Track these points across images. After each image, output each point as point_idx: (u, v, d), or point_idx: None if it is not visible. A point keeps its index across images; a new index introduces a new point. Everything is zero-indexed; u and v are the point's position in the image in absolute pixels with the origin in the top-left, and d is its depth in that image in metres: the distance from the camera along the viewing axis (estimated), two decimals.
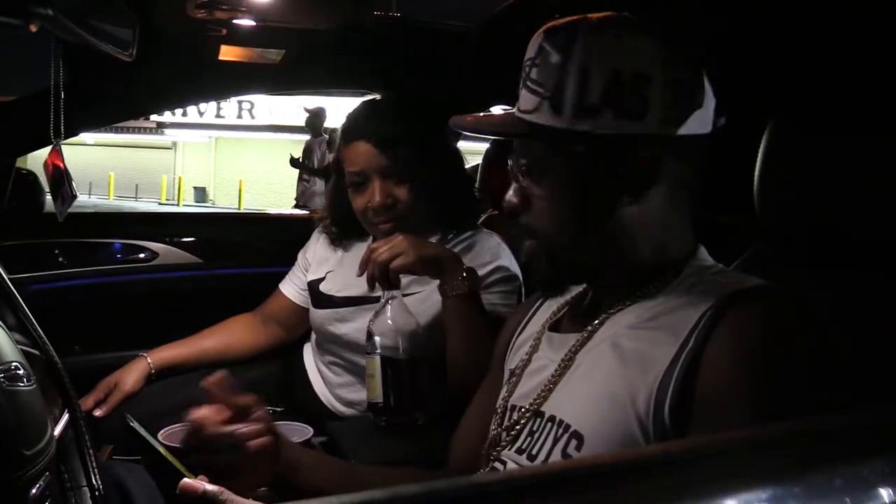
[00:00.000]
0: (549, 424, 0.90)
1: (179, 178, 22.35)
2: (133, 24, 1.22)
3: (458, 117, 0.98)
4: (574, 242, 0.89)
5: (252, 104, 20.21)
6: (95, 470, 0.83)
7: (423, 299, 1.51)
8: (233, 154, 22.98)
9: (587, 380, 0.89)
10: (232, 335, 1.78)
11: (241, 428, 0.90)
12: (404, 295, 1.46)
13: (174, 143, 24.24)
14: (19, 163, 1.88)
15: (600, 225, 0.88)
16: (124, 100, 1.72)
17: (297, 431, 1.38)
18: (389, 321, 1.35)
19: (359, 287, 1.57)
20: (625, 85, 0.83)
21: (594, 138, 0.84)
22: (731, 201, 1.35)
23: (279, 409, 1.74)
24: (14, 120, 1.80)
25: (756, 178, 1.17)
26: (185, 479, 0.79)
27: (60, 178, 1.27)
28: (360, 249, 1.64)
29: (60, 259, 1.97)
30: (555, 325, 1.04)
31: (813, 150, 1.10)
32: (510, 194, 0.93)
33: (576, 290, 1.04)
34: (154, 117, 21.22)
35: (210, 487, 0.80)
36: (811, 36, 1.26)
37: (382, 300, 1.36)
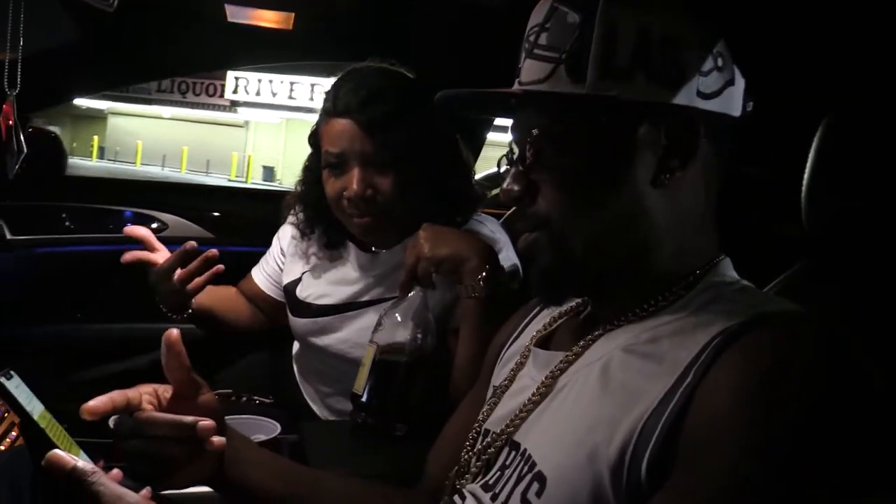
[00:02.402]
0: (520, 459, 0.76)
1: (249, 157, 22.82)
2: None
3: (446, 91, 0.83)
4: (590, 229, 0.74)
5: (324, 87, 20.41)
6: None
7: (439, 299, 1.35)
8: (303, 136, 22.85)
9: (563, 409, 0.75)
10: (225, 298, 1.62)
11: (190, 420, 0.78)
12: None
13: (246, 122, 24.79)
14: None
15: (621, 209, 0.73)
16: (124, 63, 1.64)
17: (265, 427, 1.27)
18: (399, 315, 1.22)
19: (337, 294, 1.45)
20: (655, 46, 0.70)
21: (622, 105, 0.71)
22: (787, 208, 1.18)
23: (268, 401, 1.64)
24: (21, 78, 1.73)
25: (806, 180, 0.98)
26: (55, 451, 0.68)
27: (10, 133, 1.19)
28: (336, 251, 1.48)
29: (67, 223, 1.91)
30: (544, 340, 0.89)
31: (875, 149, 0.92)
32: (510, 181, 0.78)
33: (573, 300, 0.89)
34: (228, 95, 21.77)
35: (81, 464, 0.68)
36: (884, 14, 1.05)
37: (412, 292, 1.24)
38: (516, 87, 0.78)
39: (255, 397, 1.61)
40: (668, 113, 0.71)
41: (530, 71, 0.75)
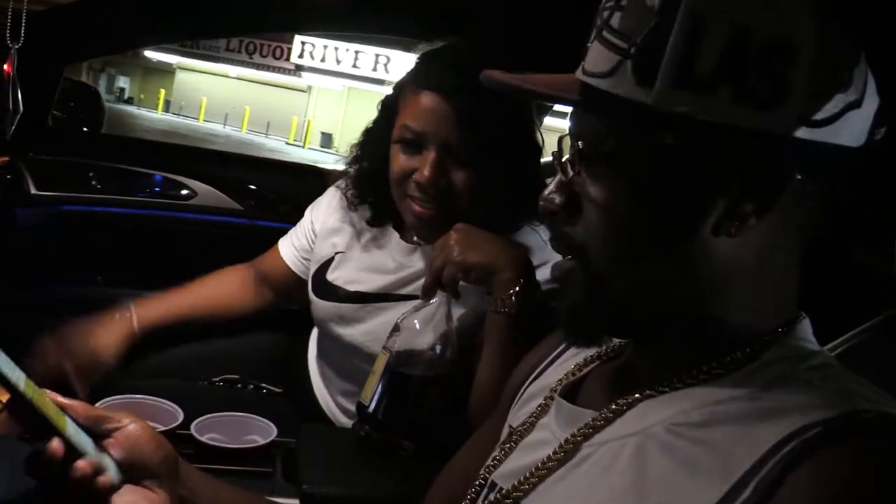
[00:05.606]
0: None
1: (308, 122, 22.96)
2: None
3: (494, 72, 0.69)
4: (631, 278, 0.60)
5: (388, 59, 20.30)
6: None
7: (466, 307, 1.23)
8: (363, 105, 23.25)
9: (580, 490, 0.61)
10: (225, 291, 1.52)
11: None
12: None
13: (309, 87, 24.93)
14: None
15: (671, 258, 0.59)
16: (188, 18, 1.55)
17: (260, 429, 1.17)
18: (418, 322, 1.10)
19: (370, 282, 1.33)
20: (755, 53, 0.53)
21: (694, 126, 0.55)
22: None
23: (276, 391, 1.55)
24: (59, 28, 1.67)
25: None
26: (89, 459, 0.66)
27: (6, 87, 1.09)
28: (379, 234, 1.36)
29: (94, 182, 1.84)
30: (573, 388, 0.75)
31: None
32: (551, 189, 0.64)
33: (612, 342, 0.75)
34: (294, 59, 21.89)
35: (106, 479, 0.67)
36: None
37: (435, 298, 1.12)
38: (579, 73, 0.62)
39: (263, 385, 1.52)
40: (752, 143, 0.55)
41: (595, 58, 0.60)
